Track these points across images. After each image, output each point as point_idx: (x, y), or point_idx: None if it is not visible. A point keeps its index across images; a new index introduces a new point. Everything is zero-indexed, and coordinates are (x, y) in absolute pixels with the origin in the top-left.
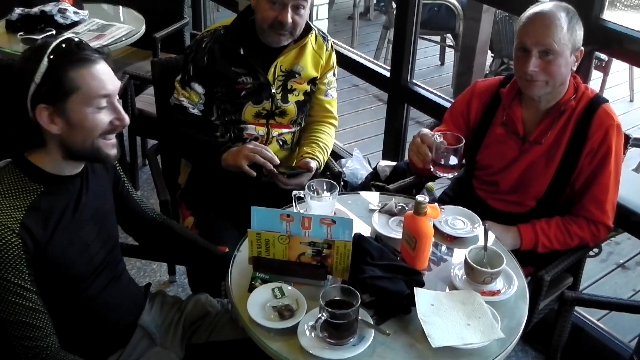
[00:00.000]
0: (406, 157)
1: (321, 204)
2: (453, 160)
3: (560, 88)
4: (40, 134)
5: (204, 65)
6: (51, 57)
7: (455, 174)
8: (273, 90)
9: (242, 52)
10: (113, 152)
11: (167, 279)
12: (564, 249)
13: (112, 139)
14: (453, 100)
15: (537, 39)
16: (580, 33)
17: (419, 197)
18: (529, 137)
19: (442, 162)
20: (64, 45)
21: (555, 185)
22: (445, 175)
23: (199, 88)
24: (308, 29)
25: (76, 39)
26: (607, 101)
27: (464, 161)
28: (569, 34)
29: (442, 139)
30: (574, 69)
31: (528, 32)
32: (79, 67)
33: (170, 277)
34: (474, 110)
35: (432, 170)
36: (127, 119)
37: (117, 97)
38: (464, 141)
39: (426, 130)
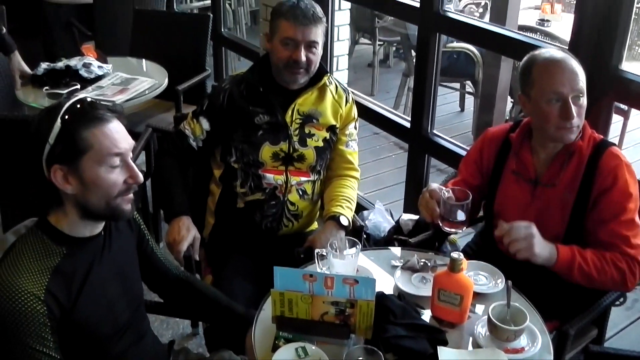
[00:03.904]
0: None
1: (344, 262)
2: (460, 216)
3: None
4: (58, 194)
5: (219, 103)
6: (65, 117)
7: (463, 229)
8: (290, 132)
9: (261, 90)
10: (128, 207)
11: (190, 332)
12: (600, 281)
13: (128, 196)
14: None
15: (571, 85)
16: None
17: (454, 255)
18: (540, 180)
19: (450, 218)
20: (77, 106)
21: (572, 227)
22: (453, 230)
23: (205, 123)
24: (323, 70)
25: (89, 99)
26: (614, 144)
27: (481, 213)
28: (585, 76)
29: (450, 194)
30: None
31: (561, 80)
32: (91, 126)
33: (193, 330)
34: (487, 157)
35: (440, 225)
36: (140, 177)
37: (131, 155)
38: (470, 196)
39: (435, 185)
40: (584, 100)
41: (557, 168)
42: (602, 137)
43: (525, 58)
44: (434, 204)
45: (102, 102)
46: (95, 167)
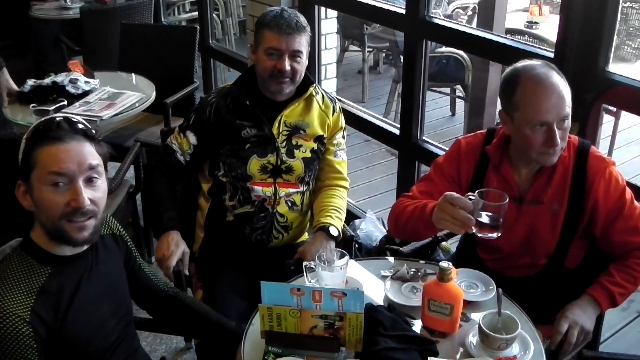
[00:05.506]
0: None
1: (332, 274)
2: (498, 219)
3: None
4: (31, 212)
5: (206, 118)
6: (28, 136)
7: (500, 233)
8: (277, 144)
9: (248, 103)
10: (81, 235)
11: (184, 346)
12: (638, 287)
13: (79, 222)
14: None
15: (557, 112)
16: None
17: (443, 264)
18: (525, 196)
19: (488, 223)
20: (46, 126)
21: (564, 240)
22: (490, 235)
23: (192, 138)
24: (309, 81)
25: (59, 118)
26: (591, 144)
27: None
28: (570, 93)
29: (477, 197)
30: None
31: (547, 108)
32: (42, 145)
33: (187, 344)
34: (465, 172)
35: (474, 232)
36: (83, 202)
37: (86, 177)
38: (507, 198)
39: (454, 194)
40: (568, 122)
41: (542, 184)
42: (577, 137)
43: (507, 72)
44: (465, 212)
45: (79, 122)
46: (39, 185)
